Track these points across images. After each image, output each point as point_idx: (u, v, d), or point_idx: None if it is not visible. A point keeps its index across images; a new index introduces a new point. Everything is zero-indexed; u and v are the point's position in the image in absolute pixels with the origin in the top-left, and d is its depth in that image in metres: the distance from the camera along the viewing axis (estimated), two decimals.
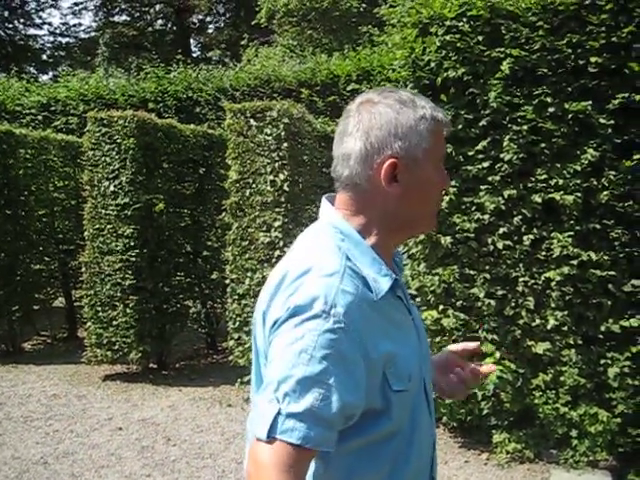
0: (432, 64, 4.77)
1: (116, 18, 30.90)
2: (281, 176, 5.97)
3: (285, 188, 5.98)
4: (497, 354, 4.60)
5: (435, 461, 1.59)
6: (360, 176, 1.41)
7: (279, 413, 1.23)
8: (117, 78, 13.07)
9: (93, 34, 31.04)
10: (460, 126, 4.71)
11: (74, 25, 33.53)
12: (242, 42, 16.06)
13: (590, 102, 4.40)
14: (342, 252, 1.38)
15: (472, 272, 4.77)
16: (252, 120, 6.07)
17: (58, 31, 32.25)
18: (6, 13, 31.11)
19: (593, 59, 4.38)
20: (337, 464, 1.36)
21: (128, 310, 6.86)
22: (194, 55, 28.75)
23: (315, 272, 1.33)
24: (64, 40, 32.31)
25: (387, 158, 1.39)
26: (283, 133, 5.98)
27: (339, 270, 1.33)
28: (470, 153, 4.72)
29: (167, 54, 21.57)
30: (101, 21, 30.97)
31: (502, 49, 4.58)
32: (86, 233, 7.04)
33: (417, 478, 1.49)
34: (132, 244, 6.88)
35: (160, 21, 31.84)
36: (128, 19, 30.81)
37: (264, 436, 1.23)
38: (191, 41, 30.83)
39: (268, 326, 1.37)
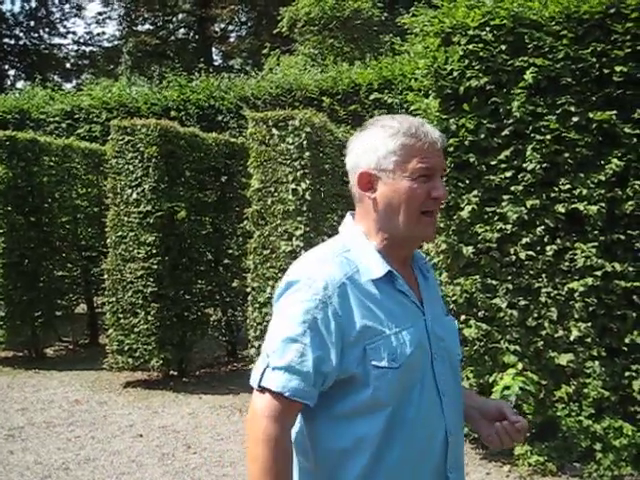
0: (455, 73, 4.75)
1: (139, 27, 31.20)
2: (303, 185, 5.98)
3: (307, 197, 5.99)
4: (519, 365, 4.56)
5: (451, 458, 1.62)
6: (353, 187, 1.69)
7: (267, 366, 1.52)
8: (140, 86, 13.17)
9: (116, 43, 31.45)
10: (483, 135, 4.68)
11: (98, 34, 33.77)
12: (264, 51, 16.11)
13: (615, 111, 4.36)
14: (344, 247, 1.63)
15: (494, 282, 4.73)
16: (274, 129, 6.08)
17: (82, 40, 32.76)
18: (32, 23, 31.63)
19: (618, 68, 4.34)
20: (324, 426, 1.57)
21: (149, 317, 6.90)
22: (216, 64, 28.94)
23: (309, 259, 1.63)
24: (88, 49, 32.80)
25: (360, 170, 1.64)
26: (305, 142, 5.99)
27: (330, 258, 1.59)
28: (493, 162, 4.69)
29: (189, 62, 21.76)
30: (124, 30, 31.29)
31: (525, 58, 4.55)
32: (108, 240, 7.11)
33: (420, 467, 1.57)
34: (154, 252, 6.93)
35: (182, 30, 32.13)
36: (151, 28, 31.08)
37: (255, 385, 1.52)
38: (213, 50, 31.04)
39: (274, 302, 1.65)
